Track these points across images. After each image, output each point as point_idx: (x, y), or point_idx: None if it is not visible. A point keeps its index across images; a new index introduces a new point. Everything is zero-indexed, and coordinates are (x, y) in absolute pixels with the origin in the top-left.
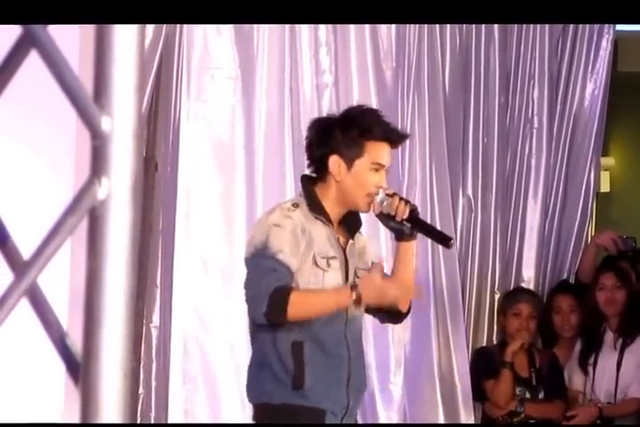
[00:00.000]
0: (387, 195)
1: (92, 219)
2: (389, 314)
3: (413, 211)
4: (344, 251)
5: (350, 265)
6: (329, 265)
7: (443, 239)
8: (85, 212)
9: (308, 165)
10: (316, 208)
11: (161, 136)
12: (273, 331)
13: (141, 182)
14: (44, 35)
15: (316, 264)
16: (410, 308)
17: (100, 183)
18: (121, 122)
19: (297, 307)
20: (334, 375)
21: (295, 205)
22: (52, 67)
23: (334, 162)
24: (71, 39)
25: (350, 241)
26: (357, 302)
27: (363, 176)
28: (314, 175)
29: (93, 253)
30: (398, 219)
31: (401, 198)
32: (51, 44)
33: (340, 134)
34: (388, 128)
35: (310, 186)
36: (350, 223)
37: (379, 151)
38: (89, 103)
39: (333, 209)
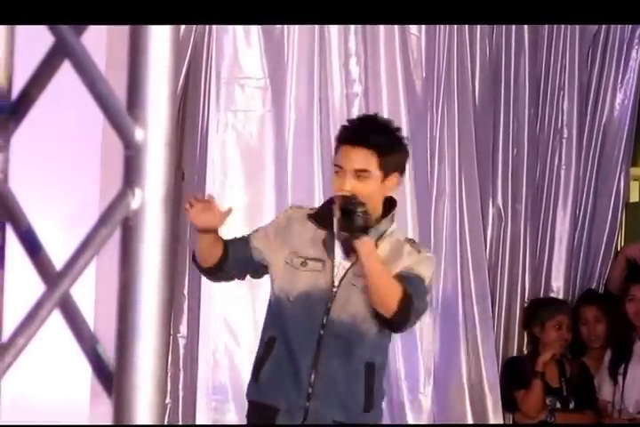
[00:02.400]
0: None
1: (125, 229)
2: (379, 318)
3: (347, 200)
4: (334, 254)
5: (340, 269)
6: (304, 265)
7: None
8: (118, 222)
9: None
10: (316, 212)
11: (188, 145)
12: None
13: (173, 193)
14: (78, 44)
15: (287, 262)
16: (399, 312)
17: (133, 194)
18: (154, 132)
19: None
20: (293, 375)
21: (301, 207)
22: (84, 77)
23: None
24: (97, 46)
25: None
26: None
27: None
28: None
29: (127, 264)
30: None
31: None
32: (84, 54)
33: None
34: (345, 128)
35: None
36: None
37: (338, 154)
38: (122, 113)
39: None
